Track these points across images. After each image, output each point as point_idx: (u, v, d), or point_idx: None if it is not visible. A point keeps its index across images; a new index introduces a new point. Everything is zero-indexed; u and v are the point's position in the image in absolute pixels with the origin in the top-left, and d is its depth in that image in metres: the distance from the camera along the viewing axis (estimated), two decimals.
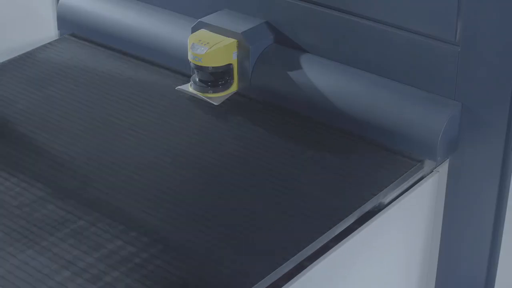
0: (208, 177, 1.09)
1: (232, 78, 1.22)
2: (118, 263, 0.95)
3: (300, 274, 0.96)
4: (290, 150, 1.13)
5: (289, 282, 0.95)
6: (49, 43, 1.40)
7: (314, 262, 0.97)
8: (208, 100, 1.21)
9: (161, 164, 1.11)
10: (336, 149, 1.13)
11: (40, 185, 1.07)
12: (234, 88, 1.22)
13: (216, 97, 1.21)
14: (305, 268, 0.97)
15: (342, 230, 1.01)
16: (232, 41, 1.20)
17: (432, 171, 1.12)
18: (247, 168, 1.11)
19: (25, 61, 1.35)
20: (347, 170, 1.09)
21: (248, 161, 1.12)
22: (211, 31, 1.22)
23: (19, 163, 1.11)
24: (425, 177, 1.11)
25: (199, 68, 1.20)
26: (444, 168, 1.12)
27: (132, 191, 1.06)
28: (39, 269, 0.94)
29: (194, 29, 1.24)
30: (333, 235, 1.00)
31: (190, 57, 1.20)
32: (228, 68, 1.21)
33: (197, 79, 1.22)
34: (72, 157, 1.12)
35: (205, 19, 1.24)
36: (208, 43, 1.19)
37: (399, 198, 1.07)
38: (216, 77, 1.21)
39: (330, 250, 0.99)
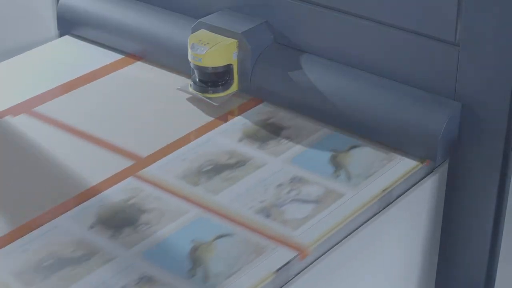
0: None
1: (232, 78, 1.22)
2: None
3: (298, 275, 0.96)
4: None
5: (289, 283, 0.95)
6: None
7: (313, 263, 0.97)
8: (208, 100, 1.21)
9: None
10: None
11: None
12: (234, 88, 1.22)
13: (216, 97, 1.21)
14: (304, 268, 0.97)
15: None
16: (232, 41, 1.20)
17: (432, 171, 1.12)
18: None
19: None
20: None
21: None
22: (211, 31, 1.22)
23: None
24: (425, 177, 1.11)
25: (199, 68, 1.20)
26: (444, 168, 1.12)
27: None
28: None
29: (194, 29, 1.24)
30: (335, 235, 1.00)
31: (190, 57, 1.20)
32: (228, 68, 1.21)
33: (197, 79, 1.22)
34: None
35: (205, 19, 1.24)
36: (208, 43, 1.19)
37: (399, 198, 1.07)
38: (216, 77, 1.21)
39: (329, 251, 0.99)
